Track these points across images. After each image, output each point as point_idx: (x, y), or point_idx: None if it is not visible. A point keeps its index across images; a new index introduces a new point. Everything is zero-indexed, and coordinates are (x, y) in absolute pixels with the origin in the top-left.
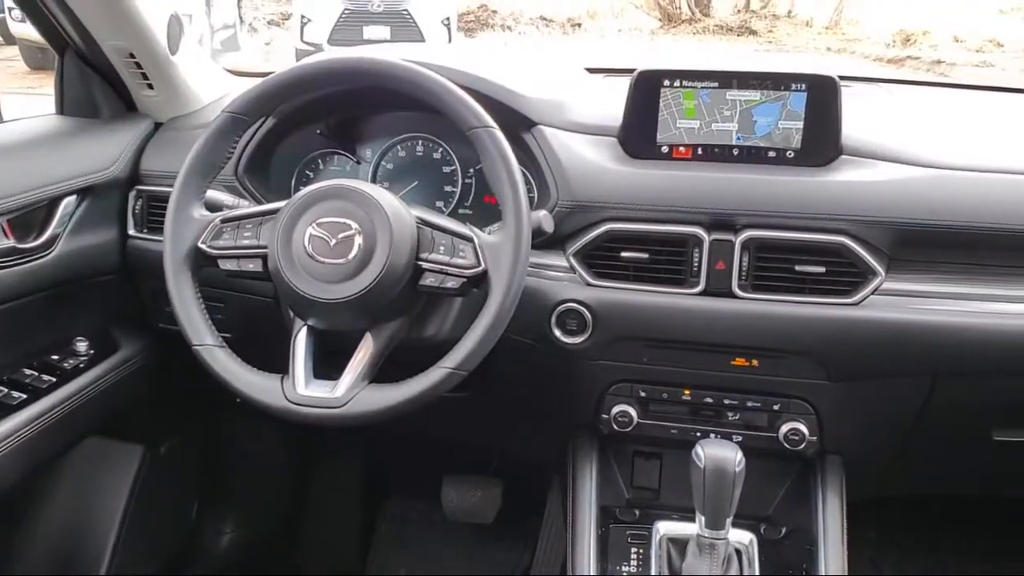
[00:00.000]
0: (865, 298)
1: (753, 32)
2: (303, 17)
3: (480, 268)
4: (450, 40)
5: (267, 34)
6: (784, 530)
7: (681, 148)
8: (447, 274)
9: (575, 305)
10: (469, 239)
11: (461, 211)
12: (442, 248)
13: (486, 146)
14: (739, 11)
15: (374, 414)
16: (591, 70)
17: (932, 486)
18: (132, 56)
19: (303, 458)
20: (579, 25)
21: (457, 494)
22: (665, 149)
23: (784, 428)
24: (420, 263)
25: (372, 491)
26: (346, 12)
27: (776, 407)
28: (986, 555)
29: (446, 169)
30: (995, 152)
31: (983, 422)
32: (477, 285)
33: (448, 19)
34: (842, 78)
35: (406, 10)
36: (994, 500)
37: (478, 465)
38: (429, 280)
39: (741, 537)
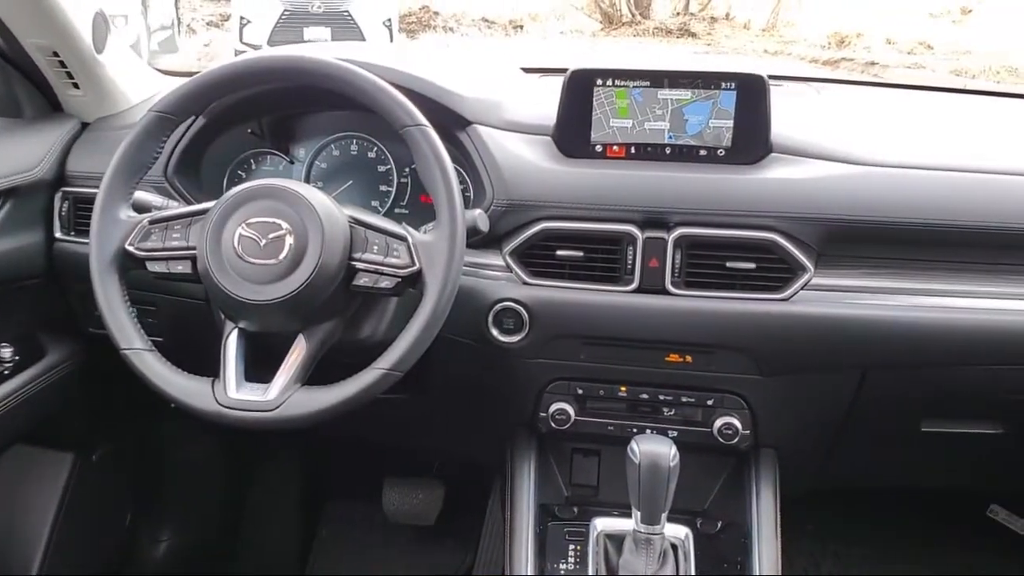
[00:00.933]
0: (795, 293)
1: (692, 34)
2: (242, 18)
3: (414, 267)
4: (392, 41)
5: (206, 35)
6: (720, 524)
7: (615, 147)
8: (381, 274)
9: (512, 304)
10: (403, 238)
11: (397, 210)
12: (375, 248)
13: (419, 145)
14: (678, 13)
15: (307, 417)
16: (527, 70)
17: (865, 479)
18: (56, 55)
19: (241, 462)
20: (521, 27)
21: (398, 496)
22: (599, 148)
23: (718, 423)
24: (353, 263)
25: (312, 494)
26: (286, 13)
27: (710, 402)
28: (922, 545)
29: (381, 168)
30: (922, 149)
31: (912, 414)
32: (412, 285)
33: (389, 20)
34: (772, 77)
35: (347, 11)
36: (928, 491)
37: (420, 467)
38: (363, 280)
39: (677, 532)
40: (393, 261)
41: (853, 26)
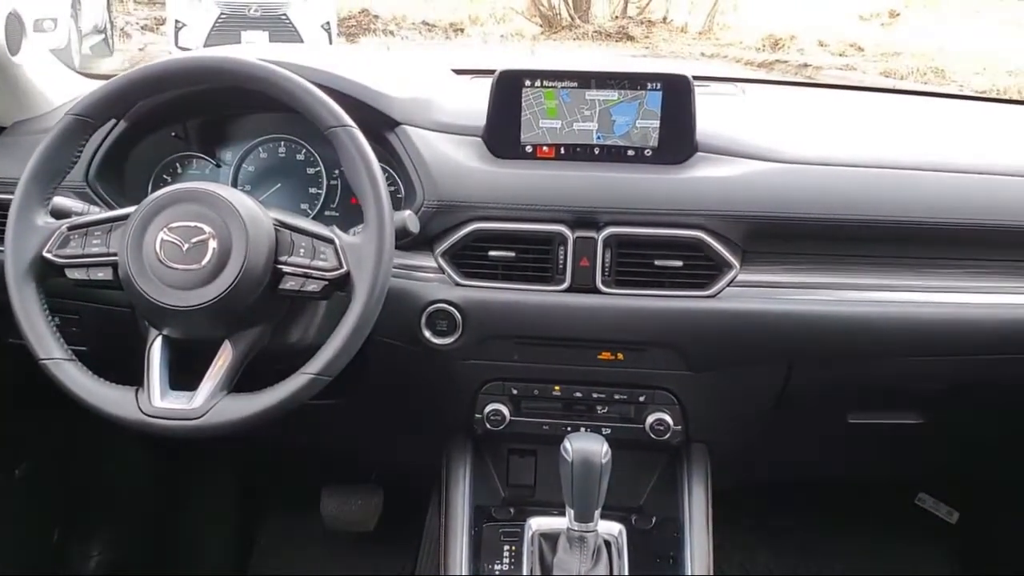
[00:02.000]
0: (721, 290)
1: (631, 38)
2: (177, 22)
3: (342, 270)
4: (331, 44)
5: (141, 39)
6: (655, 519)
7: (544, 147)
8: (308, 277)
9: (444, 305)
10: (330, 241)
11: (327, 213)
12: (302, 251)
13: (345, 146)
14: (616, 17)
15: (234, 424)
16: (458, 71)
17: (796, 471)
18: None
19: (175, 472)
20: (462, 30)
21: (336, 504)
22: (529, 149)
23: (650, 419)
24: (279, 267)
25: (250, 503)
26: (222, 17)
27: (642, 399)
28: (854, 535)
29: (310, 171)
30: (844, 147)
31: (838, 406)
32: (341, 288)
33: (328, 23)
34: (699, 78)
35: (285, 15)
36: (859, 481)
37: (358, 473)
38: (289, 284)
39: (611, 529)
40: (320, 264)
41: (786, 29)
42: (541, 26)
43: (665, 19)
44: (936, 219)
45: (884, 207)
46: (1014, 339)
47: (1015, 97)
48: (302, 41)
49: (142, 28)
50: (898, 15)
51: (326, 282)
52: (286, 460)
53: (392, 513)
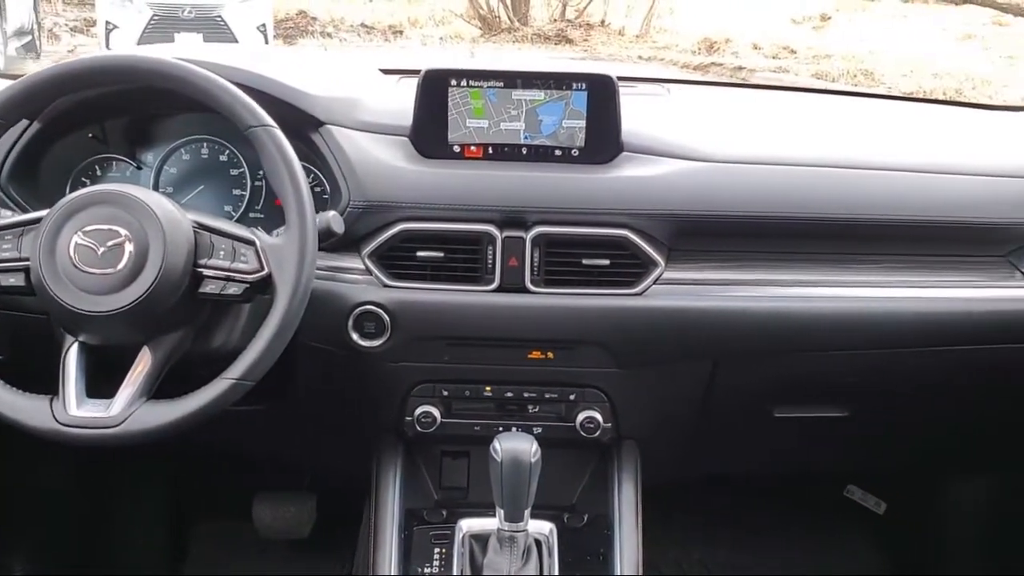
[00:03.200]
0: (647, 288)
1: (570, 41)
2: (108, 24)
3: (263, 272)
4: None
5: (71, 41)
6: (587, 518)
7: (472, 147)
8: (228, 280)
9: (372, 307)
10: (251, 242)
11: (252, 215)
12: (222, 253)
13: (265, 146)
14: (555, 20)
15: (153, 431)
16: (385, 71)
17: (726, 465)
18: None
19: (101, 482)
20: (401, 32)
21: (269, 511)
22: (457, 148)
23: (580, 417)
24: (199, 270)
25: (180, 513)
26: (155, 19)
27: (572, 397)
28: (785, 527)
29: (234, 172)
30: (768, 146)
31: (764, 401)
32: (262, 290)
33: (264, 25)
34: (624, 79)
35: (219, 16)
36: (789, 474)
37: (291, 479)
38: (209, 287)
39: (542, 528)
40: (241, 266)
41: (721, 32)
42: (480, 28)
43: (603, 22)
44: (856, 215)
45: (806, 204)
46: (932, 332)
47: (940, 98)
48: (237, 43)
49: (72, 30)
50: (829, 19)
51: (247, 284)
52: (219, 466)
53: (327, 519)
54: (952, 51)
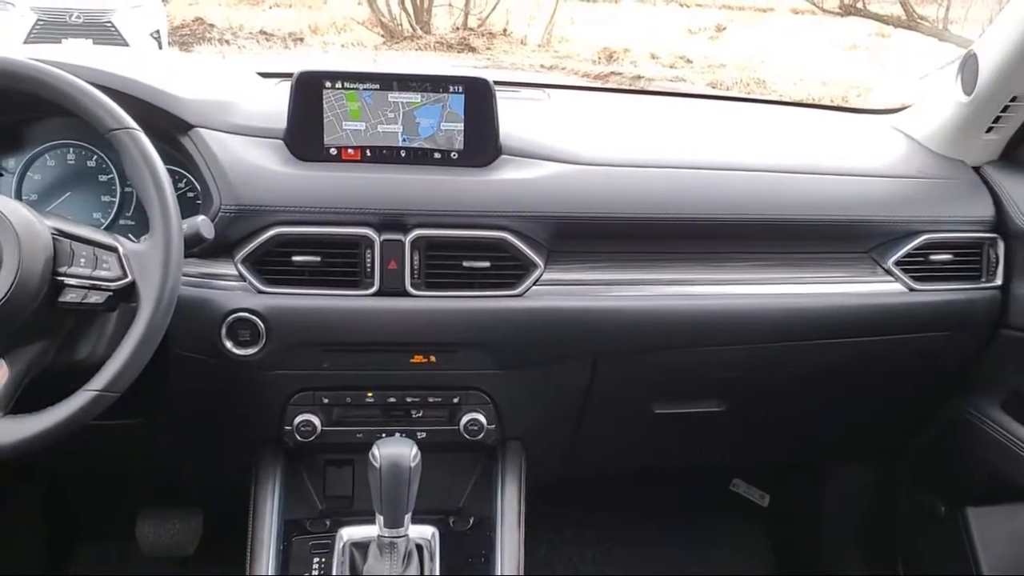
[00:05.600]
0: (527, 289)
1: (472, 49)
2: None
3: (127, 279)
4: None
5: None
6: (472, 520)
7: (349, 150)
8: (91, 288)
9: (246, 314)
10: (113, 249)
11: (122, 222)
12: (83, 260)
13: (127, 149)
14: (458, 29)
15: (12, 447)
16: (264, 74)
17: (612, 462)
18: None
19: None
20: (301, 39)
21: (153, 528)
22: (333, 151)
23: (464, 420)
24: (58, 278)
25: (59, 534)
26: (39, 24)
27: (456, 400)
28: (673, 521)
29: (103, 178)
30: (645, 149)
31: (643, 397)
32: (126, 298)
33: (158, 32)
34: (502, 83)
35: (110, 22)
36: (676, 470)
37: (176, 494)
38: (70, 296)
39: (423, 532)
40: (103, 274)
41: (621, 42)
42: (383, 36)
43: (505, 31)
44: (723, 215)
45: (677, 205)
46: (800, 327)
47: (827, 103)
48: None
49: None
50: (724, 29)
51: (110, 292)
52: (101, 485)
53: (213, 535)
54: (839, 60)
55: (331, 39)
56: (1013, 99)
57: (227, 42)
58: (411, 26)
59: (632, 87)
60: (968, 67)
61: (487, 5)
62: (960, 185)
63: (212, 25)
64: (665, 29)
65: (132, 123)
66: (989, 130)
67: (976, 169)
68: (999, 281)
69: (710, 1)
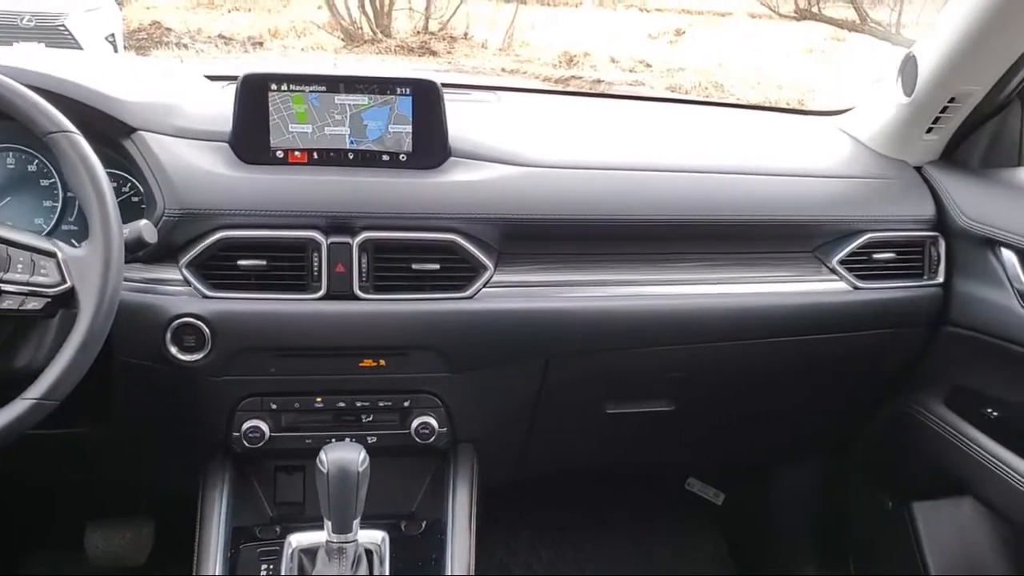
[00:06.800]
0: (477, 291)
1: (433, 53)
2: None
3: (66, 285)
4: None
5: None
6: (424, 524)
7: (296, 152)
8: (28, 295)
9: (191, 319)
10: (51, 254)
11: (65, 227)
12: (20, 266)
13: (65, 153)
14: (419, 32)
15: None
16: (211, 77)
17: (565, 463)
18: None
19: None
20: (261, 43)
21: (102, 538)
22: (280, 154)
23: (415, 423)
24: None
25: (6, 544)
26: None
27: (406, 403)
28: (628, 521)
29: (44, 183)
30: (594, 152)
31: (595, 398)
32: (65, 304)
33: (113, 35)
34: (446, 85)
35: (63, 25)
36: (632, 470)
37: (126, 504)
38: (7, 303)
39: (373, 537)
40: (40, 280)
41: (581, 46)
42: (343, 40)
43: (466, 35)
44: (670, 216)
45: (622, 206)
46: (748, 326)
47: (781, 106)
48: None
49: None
50: (683, 33)
51: (48, 299)
52: (43, 494)
53: (165, 545)
54: (795, 64)
55: (291, 43)
56: (951, 100)
57: (185, 46)
58: (372, 30)
59: (592, 91)
60: (908, 68)
61: (448, 9)
62: (902, 185)
63: (169, 29)
64: (625, 34)
65: (70, 126)
66: (929, 131)
67: (918, 169)
68: (941, 279)
69: (670, 5)
